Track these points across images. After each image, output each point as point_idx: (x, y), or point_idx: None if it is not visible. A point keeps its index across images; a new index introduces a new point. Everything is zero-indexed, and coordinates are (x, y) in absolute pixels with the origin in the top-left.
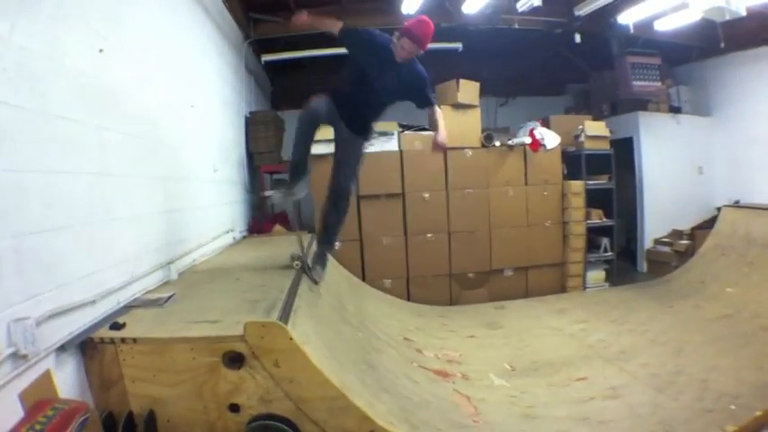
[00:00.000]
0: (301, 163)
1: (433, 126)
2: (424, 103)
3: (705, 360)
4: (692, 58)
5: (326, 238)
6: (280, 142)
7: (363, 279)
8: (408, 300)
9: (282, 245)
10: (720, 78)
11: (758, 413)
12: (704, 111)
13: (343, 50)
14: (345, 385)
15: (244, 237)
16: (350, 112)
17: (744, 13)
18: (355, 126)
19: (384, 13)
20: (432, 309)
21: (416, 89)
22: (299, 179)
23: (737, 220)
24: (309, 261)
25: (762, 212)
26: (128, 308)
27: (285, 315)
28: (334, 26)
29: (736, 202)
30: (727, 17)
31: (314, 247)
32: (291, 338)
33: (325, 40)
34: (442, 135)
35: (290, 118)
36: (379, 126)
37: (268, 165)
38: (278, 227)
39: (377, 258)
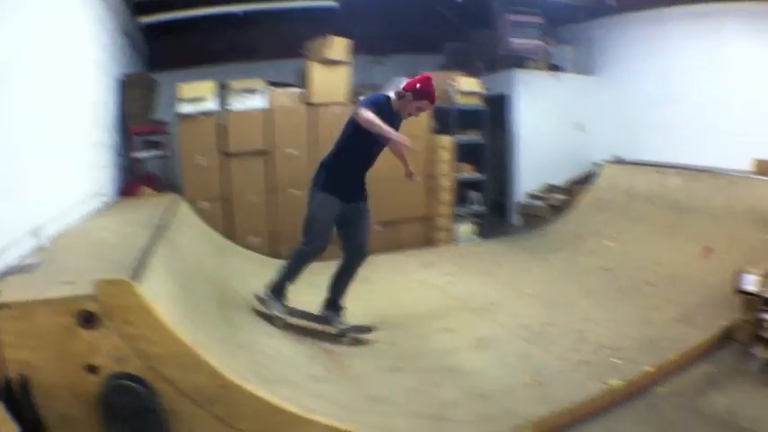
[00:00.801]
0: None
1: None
2: None
3: (580, 312)
4: (580, 18)
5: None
6: (151, 104)
7: (231, 237)
8: (277, 257)
9: (149, 207)
10: (607, 39)
11: (649, 368)
12: (588, 70)
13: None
14: (198, 342)
15: (115, 200)
16: (360, 188)
17: None
18: (364, 193)
19: None
20: None
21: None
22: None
23: (619, 176)
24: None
25: (646, 169)
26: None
27: (137, 273)
28: None
29: (618, 157)
30: None
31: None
32: (140, 295)
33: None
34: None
35: (168, 78)
36: (246, 84)
37: (139, 127)
38: (146, 189)
39: (244, 216)
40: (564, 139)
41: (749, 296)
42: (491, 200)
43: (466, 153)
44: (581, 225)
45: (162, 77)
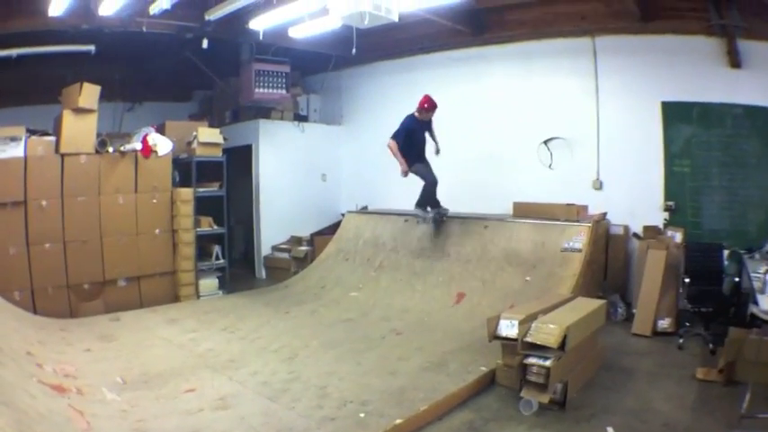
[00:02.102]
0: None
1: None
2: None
3: (323, 366)
4: (330, 67)
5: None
6: None
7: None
8: (35, 312)
9: None
10: (354, 88)
11: (398, 421)
12: (335, 119)
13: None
14: None
15: None
16: (424, 155)
17: (396, 19)
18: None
19: (29, 15)
20: (54, 322)
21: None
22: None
23: (362, 225)
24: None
25: (389, 218)
26: None
27: None
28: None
29: (364, 207)
30: (366, 23)
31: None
32: None
33: (16, 39)
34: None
35: None
36: (9, 131)
37: None
38: None
39: (6, 269)
40: (311, 189)
41: (508, 341)
42: (241, 252)
43: (207, 206)
44: (324, 276)
45: None
